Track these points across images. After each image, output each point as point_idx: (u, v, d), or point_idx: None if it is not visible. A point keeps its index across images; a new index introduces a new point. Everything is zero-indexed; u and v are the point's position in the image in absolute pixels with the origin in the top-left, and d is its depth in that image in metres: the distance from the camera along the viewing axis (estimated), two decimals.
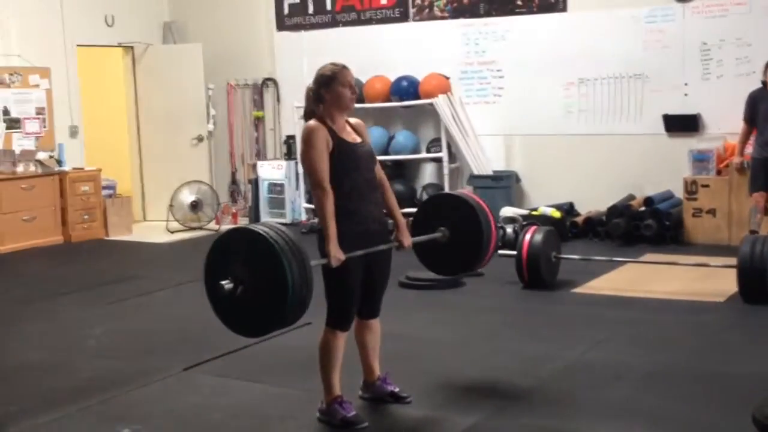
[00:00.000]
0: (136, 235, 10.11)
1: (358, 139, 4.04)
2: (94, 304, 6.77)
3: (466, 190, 4.82)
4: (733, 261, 6.12)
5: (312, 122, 3.93)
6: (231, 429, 4.11)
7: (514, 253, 6.76)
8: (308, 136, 3.90)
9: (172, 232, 10.10)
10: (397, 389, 4.28)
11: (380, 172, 4.16)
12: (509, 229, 8.33)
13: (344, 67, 4.00)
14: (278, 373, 4.90)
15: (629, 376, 4.66)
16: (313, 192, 3.92)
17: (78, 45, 10.39)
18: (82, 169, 10.09)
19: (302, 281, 3.52)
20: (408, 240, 4.24)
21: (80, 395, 4.63)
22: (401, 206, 4.01)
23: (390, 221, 4.20)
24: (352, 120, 4.13)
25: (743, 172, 7.92)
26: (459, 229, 4.52)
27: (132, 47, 10.98)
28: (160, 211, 10.55)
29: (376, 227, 4.05)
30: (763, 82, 7.54)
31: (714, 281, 6.57)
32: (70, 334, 5.96)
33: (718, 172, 8.34)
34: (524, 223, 8.21)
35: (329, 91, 3.94)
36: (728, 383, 4.48)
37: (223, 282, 3.57)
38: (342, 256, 3.81)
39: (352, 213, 3.93)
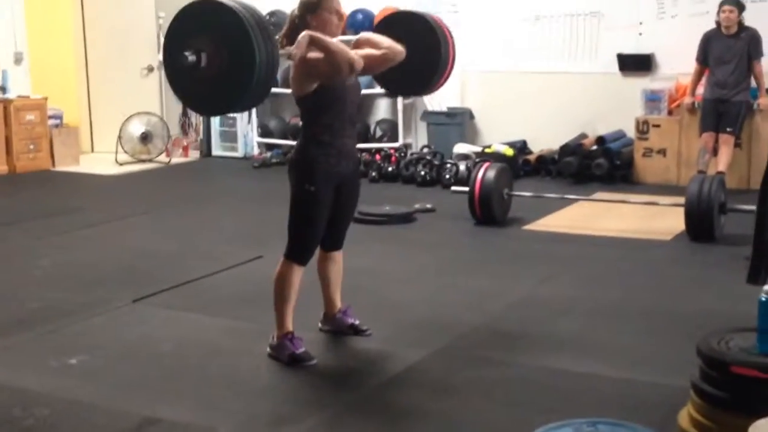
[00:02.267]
0: (83, 167, 9.92)
1: None
2: (40, 236, 6.64)
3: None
4: (681, 200, 6.21)
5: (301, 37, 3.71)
6: (180, 360, 4.09)
7: (467, 189, 6.77)
8: (299, 44, 3.66)
9: (121, 164, 9.93)
10: (357, 322, 4.29)
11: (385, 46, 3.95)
12: (462, 166, 8.34)
13: None
14: (229, 306, 4.87)
15: (578, 311, 4.73)
16: (342, 62, 3.68)
17: None
18: (27, 97, 9.79)
19: (269, 59, 3.41)
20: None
21: (26, 326, 4.56)
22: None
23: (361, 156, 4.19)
24: None
25: (694, 113, 7.99)
26: (417, 47, 4.27)
27: None
28: (108, 143, 10.34)
29: (349, 162, 3.99)
30: (717, 23, 7.57)
31: (662, 220, 6.67)
32: (16, 265, 5.85)
33: (670, 113, 8.41)
34: (477, 160, 8.22)
35: (315, 17, 3.80)
36: (674, 318, 4.57)
37: (186, 53, 3.41)
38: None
39: (327, 145, 3.87)
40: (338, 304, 4.29)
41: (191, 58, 3.41)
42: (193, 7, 3.55)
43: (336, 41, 3.76)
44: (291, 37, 3.82)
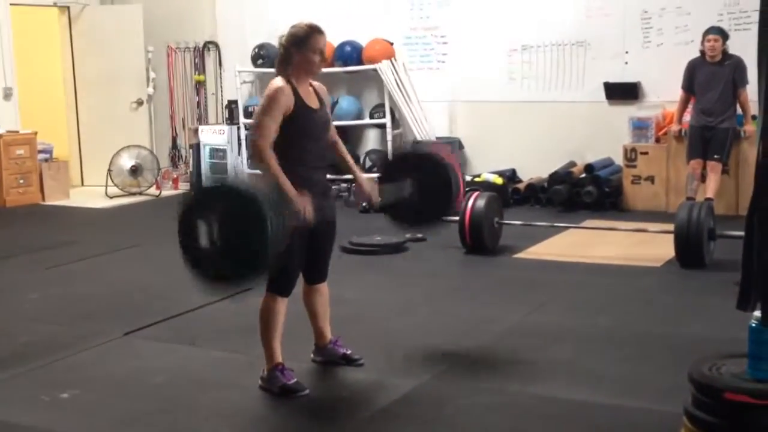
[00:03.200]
0: (73, 200, 9.92)
1: (317, 104, 4.00)
2: (31, 269, 6.63)
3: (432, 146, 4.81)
4: (671, 227, 6.24)
5: (278, 81, 3.89)
6: (172, 392, 4.08)
7: (457, 218, 6.79)
8: (270, 97, 3.85)
9: (111, 198, 9.93)
10: (348, 351, 4.29)
11: (334, 134, 4.18)
12: None
13: (318, 31, 3.93)
14: (220, 338, 4.86)
15: (569, 338, 4.74)
16: (253, 151, 3.88)
17: (11, 4, 10.07)
18: (16, 132, 9.83)
19: (278, 235, 3.47)
20: (375, 193, 4.26)
21: (18, 360, 4.54)
22: (344, 172, 3.97)
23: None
24: (315, 83, 4.08)
25: (681, 140, 8.06)
26: (426, 183, 4.48)
27: (68, 7, 10.69)
28: (98, 176, 10.34)
29: (320, 194, 3.99)
30: (702, 51, 7.65)
31: (652, 246, 6.70)
32: (6, 299, 5.83)
33: (657, 140, 8.47)
34: (467, 189, 8.25)
35: (299, 52, 3.90)
36: (665, 344, 4.58)
37: (199, 235, 3.49)
38: (308, 199, 3.77)
39: (300, 178, 3.85)
40: (328, 335, 4.29)
41: (204, 243, 3.49)
42: (203, 193, 3.73)
43: (275, 168, 3.76)
44: (282, 65, 3.94)
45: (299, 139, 3.90)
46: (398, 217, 4.70)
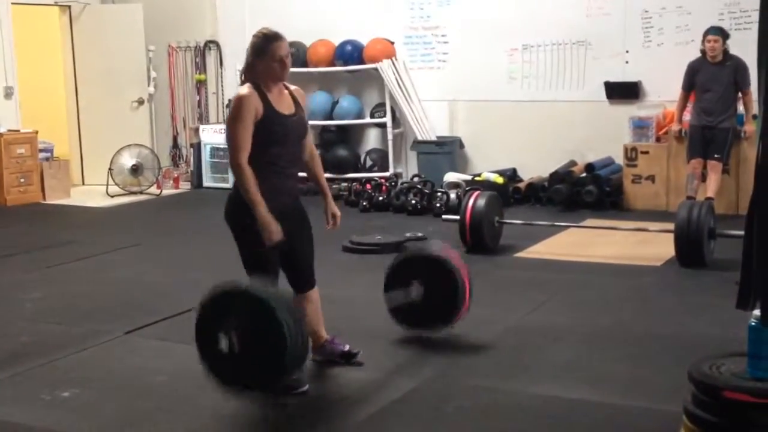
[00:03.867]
0: (74, 199, 9.92)
1: (291, 109, 3.95)
2: (32, 269, 6.64)
3: (437, 246, 4.82)
4: (671, 226, 6.24)
5: (245, 89, 3.84)
6: (172, 392, 4.08)
7: (458, 217, 6.80)
8: (236, 106, 3.82)
9: (112, 197, 9.93)
10: (347, 348, 4.29)
11: (310, 143, 4.15)
12: (452, 195, 8.38)
13: (276, 38, 3.86)
14: None
15: (570, 337, 4.74)
16: (231, 165, 3.86)
17: (13, 3, 10.07)
18: (17, 131, 9.83)
19: (297, 338, 3.48)
20: (337, 210, 4.23)
21: (18, 360, 4.54)
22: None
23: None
24: (293, 86, 4.05)
25: (681, 140, 8.06)
26: (432, 286, 4.51)
27: (69, 6, 10.69)
28: (99, 175, 10.35)
29: (292, 201, 4.02)
30: (702, 51, 7.65)
31: (652, 245, 6.70)
32: (7, 299, 5.83)
33: (658, 139, 8.47)
34: (467, 188, 8.26)
35: (261, 61, 3.86)
36: (665, 343, 4.59)
37: (219, 340, 3.48)
38: (279, 231, 3.80)
39: (270, 185, 3.85)
40: (324, 335, 4.29)
41: (224, 343, 3.47)
42: (220, 296, 3.62)
43: (252, 190, 3.78)
44: (248, 73, 3.91)
45: (270, 146, 3.85)
46: (403, 320, 4.65)
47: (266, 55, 3.84)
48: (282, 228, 3.85)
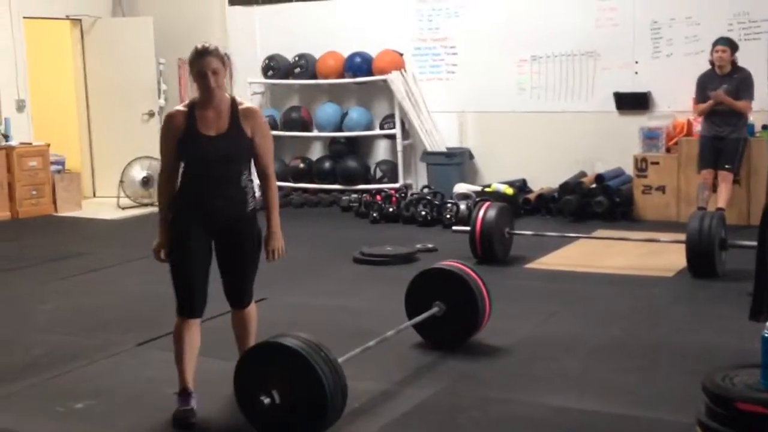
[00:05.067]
0: (85, 212, 9.97)
1: (222, 130, 3.78)
2: (44, 281, 6.67)
3: (452, 262, 4.88)
4: (682, 237, 6.23)
5: (175, 108, 3.90)
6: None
7: (468, 229, 6.80)
8: (163, 124, 3.96)
9: (123, 209, 9.98)
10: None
11: (263, 168, 3.92)
12: (462, 206, 8.39)
13: (201, 55, 3.75)
14: (233, 348, 4.85)
15: (581, 348, 4.74)
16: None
17: (25, 17, 10.16)
18: (29, 144, 9.89)
19: (336, 388, 3.53)
20: (277, 245, 3.95)
21: (31, 371, 4.57)
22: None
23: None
24: (244, 106, 3.87)
25: (692, 149, 8.01)
26: (454, 303, 4.64)
27: (80, 20, 10.77)
28: (110, 188, 10.40)
29: (218, 220, 3.86)
30: (711, 62, 7.65)
31: (663, 256, 6.69)
32: (20, 310, 5.87)
33: (668, 150, 8.46)
34: (477, 199, 8.27)
35: (191, 76, 3.85)
36: (677, 355, 4.58)
37: (261, 397, 3.51)
38: (161, 254, 3.88)
39: (190, 200, 3.85)
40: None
41: (266, 400, 3.51)
42: (257, 351, 3.71)
43: (160, 207, 3.93)
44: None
45: (189, 166, 3.85)
46: (426, 336, 4.77)
47: (192, 70, 3.80)
48: (217, 240, 3.90)
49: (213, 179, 3.82)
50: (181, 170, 3.89)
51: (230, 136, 3.80)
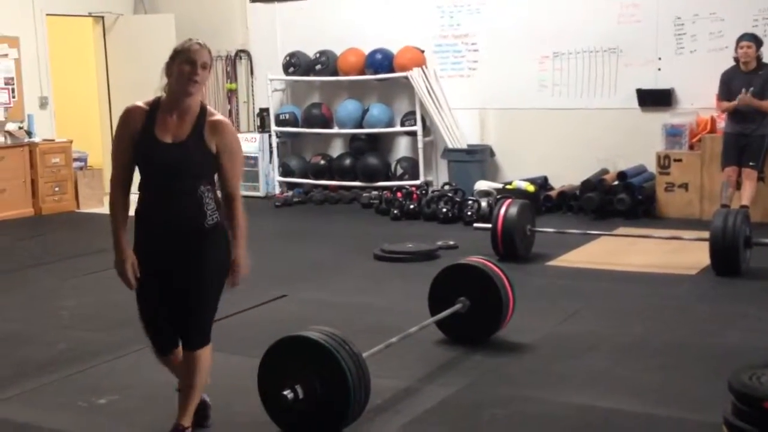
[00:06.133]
0: (107, 208, 9.99)
1: (181, 138, 3.35)
2: (67, 277, 6.71)
3: (477, 258, 4.86)
4: (705, 234, 6.19)
5: (134, 104, 3.45)
6: (209, 400, 4.09)
7: (489, 226, 6.78)
8: (119, 120, 3.48)
9: None
10: None
11: (229, 190, 3.44)
12: (484, 203, 8.37)
13: (200, 45, 3.39)
14: (255, 345, 4.83)
15: (604, 346, 4.71)
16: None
17: (48, 14, 10.23)
18: (52, 140, 9.97)
19: (360, 383, 3.54)
20: (241, 263, 3.46)
21: (55, 366, 4.60)
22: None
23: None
24: (214, 118, 3.42)
25: (716, 146, 7.94)
26: (478, 299, 4.63)
27: (102, 17, 10.83)
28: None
29: (168, 239, 3.38)
30: (735, 59, 7.59)
31: (686, 254, 6.65)
32: (44, 306, 5.90)
33: (691, 147, 8.40)
34: (498, 196, 8.24)
35: (172, 66, 3.38)
36: (701, 353, 4.54)
37: (284, 392, 3.50)
38: (128, 273, 3.41)
39: (141, 217, 3.44)
40: (181, 419, 3.55)
41: (290, 395, 3.50)
42: (282, 345, 3.66)
43: (112, 213, 3.46)
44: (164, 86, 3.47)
45: (142, 173, 3.41)
46: (449, 332, 4.78)
47: (180, 57, 3.37)
48: (155, 265, 3.42)
49: (166, 194, 3.37)
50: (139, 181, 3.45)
51: (187, 146, 3.35)
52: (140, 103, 3.44)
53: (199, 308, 3.44)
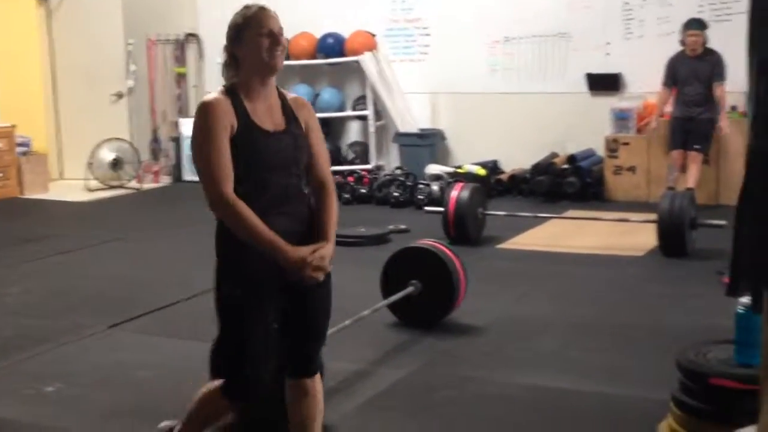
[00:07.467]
0: (53, 194, 9.83)
1: (280, 126, 2.78)
2: (10, 263, 6.57)
3: (429, 241, 4.90)
4: (652, 216, 6.27)
5: (209, 95, 2.77)
6: (157, 386, 4.05)
7: (441, 209, 6.80)
8: (200, 119, 2.71)
9: (92, 191, 9.85)
10: None
11: (320, 173, 2.88)
12: (435, 187, 8.38)
13: (261, 8, 2.81)
14: (205, 330, 4.76)
15: (554, 327, 4.76)
16: (212, 209, 2.71)
17: None
18: None
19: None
20: (324, 259, 2.84)
21: (1, 354, 4.50)
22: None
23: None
24: (291, 96, 2.92)
25: (662, 131, 8.04)
26: (430, 282, 4.66)
27: None
28: (78, 170, 10.25)
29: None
30: (682, 42, 7.68)
31: (634, 236, 6.73)
32: None
33: (638, 131, 8.50)
34: (450, 180, 8.26)
35: (242, 45, 2.77)
36: (650, 332, 4.61)
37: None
38: (305, 251, 2.73)
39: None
40: None
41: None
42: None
43: (245, 217, 2.66)
44: (226, 75, 2.85)
45: (252, 173, 2.72)
46: (401, 315, 4.79)
47: (248, 30, 2.76)
48: (289, 292, 2.83)
49: (280, 193, 2.76)
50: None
51: (292, 133, 2.81)
52: (216, 94, 2.76)
53: (326, 329, 3.01)
